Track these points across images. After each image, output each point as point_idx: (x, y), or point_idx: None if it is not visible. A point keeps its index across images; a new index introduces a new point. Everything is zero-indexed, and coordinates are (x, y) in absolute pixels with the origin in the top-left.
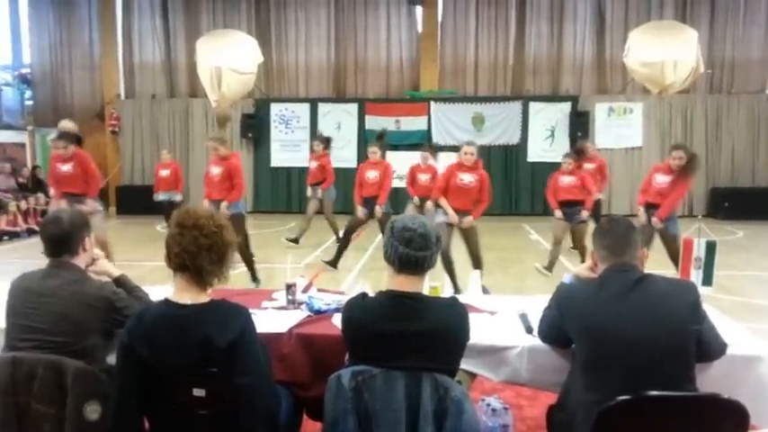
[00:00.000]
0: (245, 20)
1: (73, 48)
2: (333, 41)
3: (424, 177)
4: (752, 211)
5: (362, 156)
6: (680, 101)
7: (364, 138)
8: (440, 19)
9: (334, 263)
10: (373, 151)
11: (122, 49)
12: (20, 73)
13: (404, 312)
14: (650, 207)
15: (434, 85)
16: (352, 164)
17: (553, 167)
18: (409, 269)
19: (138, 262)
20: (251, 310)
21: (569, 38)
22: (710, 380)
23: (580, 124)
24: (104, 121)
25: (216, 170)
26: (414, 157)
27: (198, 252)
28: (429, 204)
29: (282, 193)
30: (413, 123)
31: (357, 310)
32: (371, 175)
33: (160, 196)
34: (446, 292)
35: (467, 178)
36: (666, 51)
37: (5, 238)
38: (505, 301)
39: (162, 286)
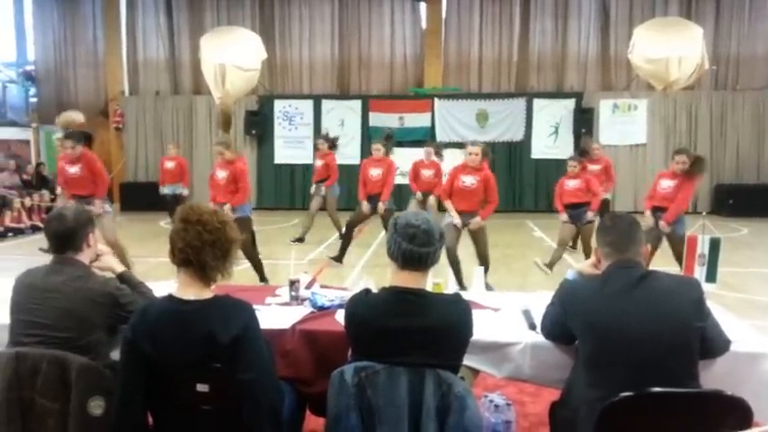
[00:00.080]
0: (248, 16)
1: (77, 45)
2: (337, 38)
3: (427, 173)
4: (756, 208)
5: (366, 152)
6: (685, 97)
7: (368, 134)
8: (444, 15)
9: (339, 258)
10: (377, 148)
11: (126, 47)
12: (24, 70)
13: (407, 308)
14: (657, 210)
15: (438, 81)
16: (356, 160)
17: (557, 164)
18: (412, 265)
19: (142, 258)
20: (254, 306)
21: (574, 34)
22: (714, 376)
23: (584, 121)
24: (108, 118)
25: (222, 174)
26: (417, 154)
27: (201, 247)
28: (432, 199)
29: (286, 189)
30: (416, 120)
31: (360, 306)
32: (375, 172)
33: (165, 190)
34: (449, 288)
35: (468, 180)
36: (671, 48)
37: (10, 234)
38: (508, 298)
39: (166, 282)
